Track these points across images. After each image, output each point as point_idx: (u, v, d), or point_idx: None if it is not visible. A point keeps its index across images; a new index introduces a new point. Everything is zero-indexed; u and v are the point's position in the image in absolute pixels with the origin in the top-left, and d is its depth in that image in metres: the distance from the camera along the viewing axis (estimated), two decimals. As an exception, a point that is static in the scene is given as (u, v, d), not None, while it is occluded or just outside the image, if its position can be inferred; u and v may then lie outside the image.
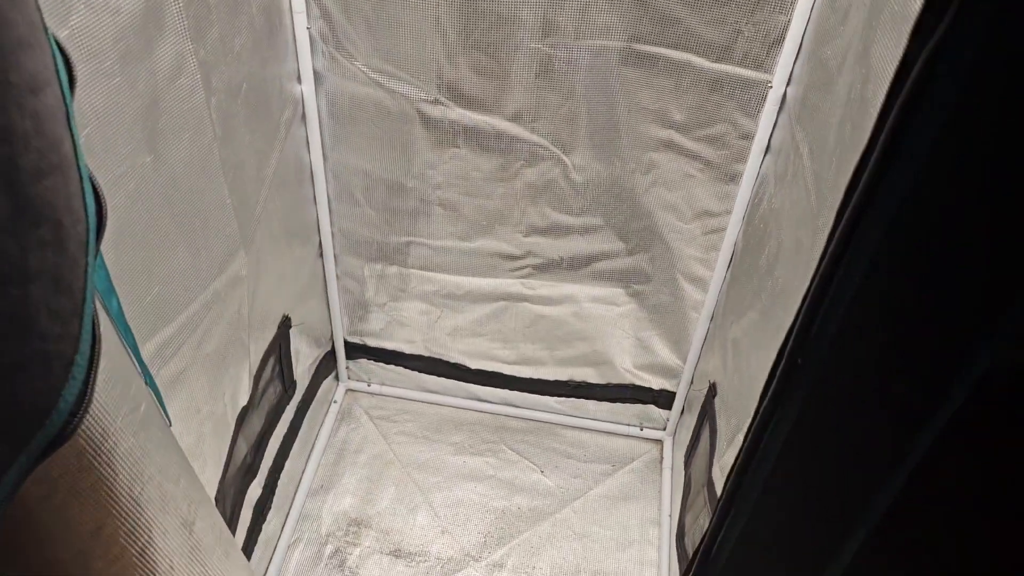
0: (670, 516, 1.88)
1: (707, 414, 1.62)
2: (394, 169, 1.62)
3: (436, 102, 1.50)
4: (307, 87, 1.49)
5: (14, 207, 0.57)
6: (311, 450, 1.95)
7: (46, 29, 0.60)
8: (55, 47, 0.61)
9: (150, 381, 0.87)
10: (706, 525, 1.50)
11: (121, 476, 0.76)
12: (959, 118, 0.49)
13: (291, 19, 1.39)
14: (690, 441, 1.76)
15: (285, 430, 1.78)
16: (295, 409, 1.82)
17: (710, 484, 1.47)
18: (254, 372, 1.50)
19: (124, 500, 0.74)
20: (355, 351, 2.04)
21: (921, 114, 0.51)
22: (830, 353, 0.66)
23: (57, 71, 0.62)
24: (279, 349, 1.65)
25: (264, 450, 1.66)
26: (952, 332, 0.57)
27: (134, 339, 0.84)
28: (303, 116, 1.52)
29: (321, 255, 1.79)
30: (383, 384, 2.11)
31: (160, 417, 0.85)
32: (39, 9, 0.58)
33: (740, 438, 1.34)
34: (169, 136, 1.01)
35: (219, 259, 1.20)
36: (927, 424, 0.63)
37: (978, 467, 0.65)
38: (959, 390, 0.59)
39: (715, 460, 1.48)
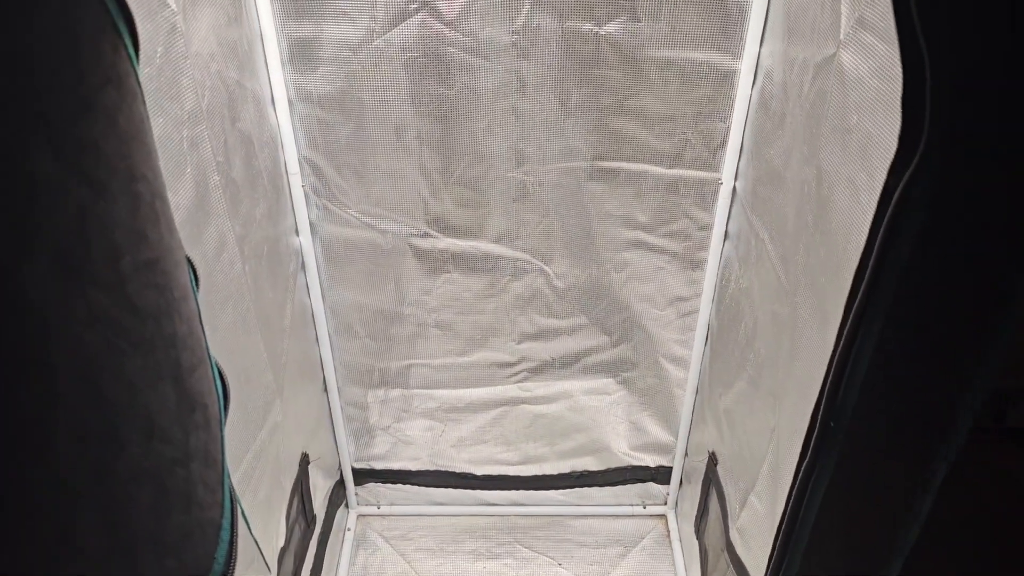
0: (688, 587, 1.97)
1: (712, 482, 1.74)
2: (390, 300, 1.74)
3: (426, 235, 1.64)
4: (304, 238, 1.61)
5: (178, 399, 0.68)
6: (334, 582, 1.98)
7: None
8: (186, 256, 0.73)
9: (250, 529, 0.95)
10: (733, 588, 1.59)
11: (246, 625, 0.84)
12: (931, 232, 0.65)
13: (287, 180, 1.52)
14: (698, 510, 1.87)
15: (311, 565, 1.82)
16: (316, 543, 1.87)
17: (730, 547, 1.58)
18: (285, 513, 1.56)
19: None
20: (362, 476, 2.10)
21: (902, 231, 0.67)
22: (855, 414, 0.80)
23: (191, 278, 0.73)
24: (301, 487, 1.71)
25: (297, 589, 1.70)
26: (944, 386, 0.73)
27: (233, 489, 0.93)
28: (303, 264, 1.63)
29: (326, 389, 1.87)
30: (392, 504, 2.16)
31: (263, 564, 0.92)
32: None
33: (752, 500, 1.46)
34: (218, 307, 1.12)
35: (262, 411, 1.29)
36: (939, 460, 0.78)
37: (986, 488, 0.80)
38: (962, 424, 0.75)
39: (731, 524, 1.59)
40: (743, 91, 1.44)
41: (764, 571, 1.37)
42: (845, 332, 0.76)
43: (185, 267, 0.70)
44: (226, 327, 1.14)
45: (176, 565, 0.68)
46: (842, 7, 0.99)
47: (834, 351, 0.80)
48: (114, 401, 0.59)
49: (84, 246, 0.55)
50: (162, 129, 0.94)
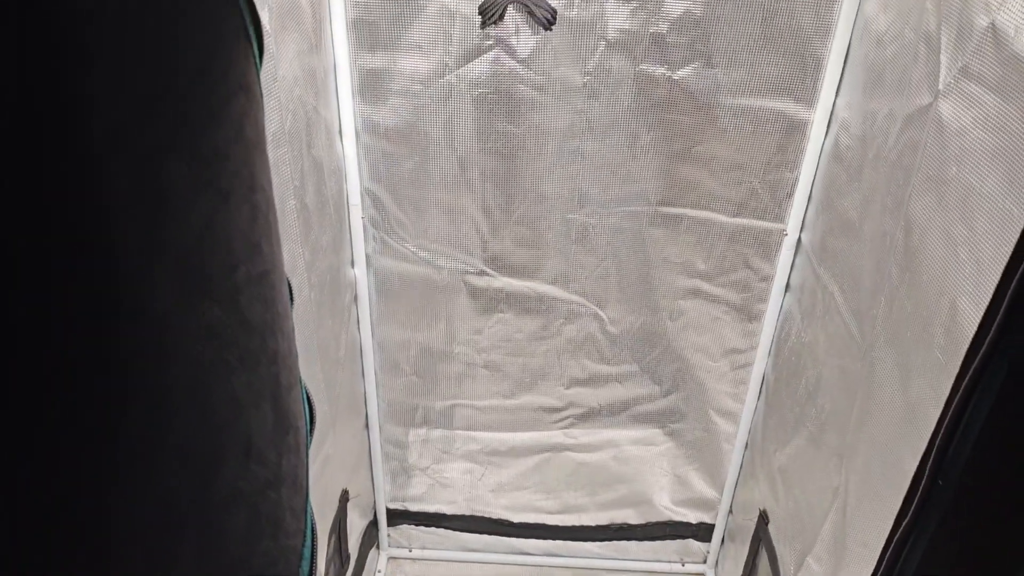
0: (728, 651, 1.89)
1: (761, 542, 1.68)
2: (440, 337, 1.71)
3: (482, 273, 1.62)
4: (359, 270, 1.59)
5: (275, 419, 0.65)
6: (362, 626, 1.92)
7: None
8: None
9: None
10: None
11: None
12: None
13: (347, 211, 1.52)
14: (744, 570, 1.80)
15: (342, 607, 1.76)
16: (348, 584, 1.81)
17: (782, 611, 1.51)
18: (325, 551, 1.51)
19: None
20: (396, 517, 2.05)
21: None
22: (966, 471, 0.76)
23: (288, 295, 0.71)
24: (339, 524, 1.66)
25: (328, 631, 1.64)
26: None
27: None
28: (355, 297, 1.62)
29: (367, 426, 1.84)
30: (424, 548, 2.11)
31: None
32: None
33: (810, 562, 1.40)
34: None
35: (317, 443, 1.26)
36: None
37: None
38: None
39: (784, 587, 1.53)
40: (815, 141, 1.43)
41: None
42: (963, 386, 0.72)
43: (286, 283, 0.68)
44: (291, 353, 1.12)
45: (262, 592, 0.65)
46: (941, 57, 0.97)
47: (946, 406, 0.76)
48: (219, 418, 0.56)
49: (205, 256, 0.53)
50: (250, 149, 0.93)
